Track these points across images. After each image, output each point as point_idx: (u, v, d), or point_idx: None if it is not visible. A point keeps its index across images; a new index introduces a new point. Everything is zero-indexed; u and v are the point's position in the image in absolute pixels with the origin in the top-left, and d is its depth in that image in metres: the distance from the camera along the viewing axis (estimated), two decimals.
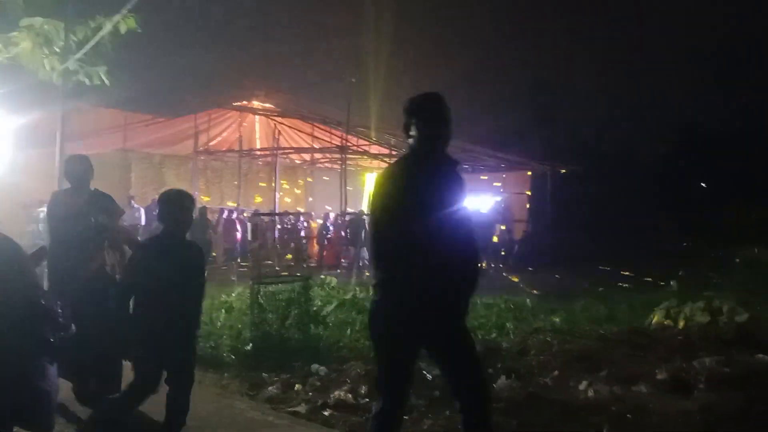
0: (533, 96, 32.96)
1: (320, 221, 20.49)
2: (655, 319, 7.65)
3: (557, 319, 8.52)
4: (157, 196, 15.02)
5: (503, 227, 20.39)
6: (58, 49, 9.40)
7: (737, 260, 10.42)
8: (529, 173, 24.54)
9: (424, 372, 5.99)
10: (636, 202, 26.25)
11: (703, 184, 28.67)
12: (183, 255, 4.13)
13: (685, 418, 4.72)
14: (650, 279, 11.08)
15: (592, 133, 32.70)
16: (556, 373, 5.94)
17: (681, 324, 7.29)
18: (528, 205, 23.86)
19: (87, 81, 9.63)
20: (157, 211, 4.29)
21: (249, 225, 18.44)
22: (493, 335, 7.67)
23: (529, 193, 24.15)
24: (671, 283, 10.08)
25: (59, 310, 2.27)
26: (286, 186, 23.68)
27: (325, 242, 18.81)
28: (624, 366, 6.02)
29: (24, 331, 2.14)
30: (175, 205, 4.16)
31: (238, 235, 18.87)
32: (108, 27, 9.07)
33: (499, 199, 22.61)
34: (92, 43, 9.22)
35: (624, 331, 7.37)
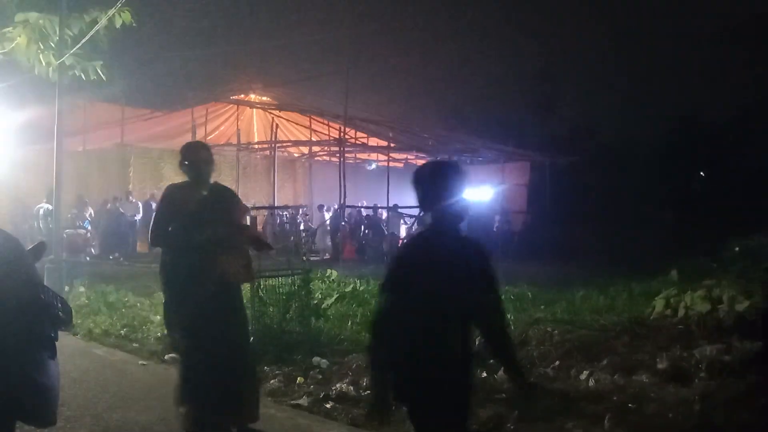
0: (533, 87, 32.90)
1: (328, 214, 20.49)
2: (655, 309, 7.65)
3: (557, 310, 8.53)
4: (156, 191, 15.08)
5: (499, 217, 20.41)
6: (53, 44, 9.38)
7: (737, 249, 10.40)
8: (529, 164, 24.54)
9: None
10: (636, 192, 26.24)
11: (702, 174, 28.65)
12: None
13: (685, 407, 4.73)
14: (650, 268, 11.07)
15: (592, 124, 32.66)
16: (556, 363, 5.95)
17: (681, 313, 7.29)
18: (527, 196, 23.85)
19: (83, 76, 9.62)
20: None
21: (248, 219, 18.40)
22: None
23: (527, 184, 24.15)
24: (671, 272, 10.07)
25: (59, 305, 2.26)
26: (284, 179, 23.63)
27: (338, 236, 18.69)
28: (624, 355, 6.02)
29: (24, 326, 2.14)
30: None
31: None
32: (103, 21, 9.05)
33: (497, 190, 22.60)
34: (88, 37, 9.20)
35: (624, 321, 7.36)
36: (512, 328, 7.52)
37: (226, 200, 4.59)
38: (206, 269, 4.26)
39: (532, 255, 17.57)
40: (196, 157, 4.44)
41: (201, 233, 4.26)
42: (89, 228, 16.84)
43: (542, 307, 8.86)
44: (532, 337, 6.93)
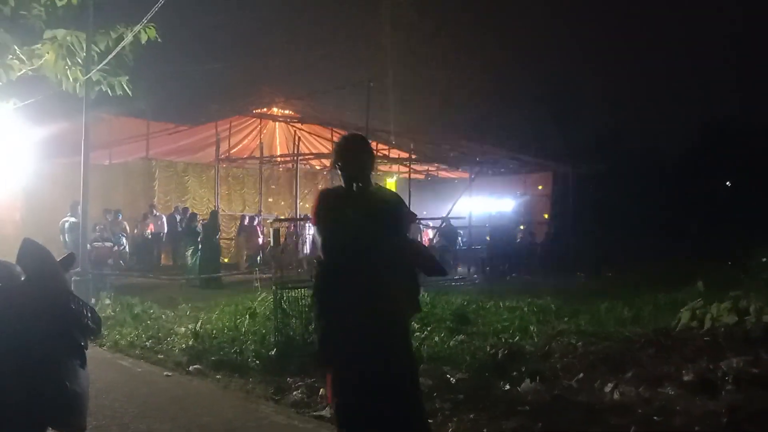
0: (554, 96, 32.76)
1: None
2: (681, 321, 7.55)
3: (581, 321, 8.46)
4: (179, 204, 15.24)
5: (522, 228, 20.31)
6: (80, 60, 9.57)
7: (764, 259, 10.25)
8: (551, 174, 24.39)
9: (448, 375, 5.99)
10: (660, 201, 25.95)
11: (728, 182, 28.26)
12: None
13: (713, 420, 4.66)
14: (675, 279, 10.93)
15: (616, 132, 32.39)
16: (581, 375, 5.89)
17: (707, 324, 7.19)
18: (550, 207, 23.70)
19: (109, 91, 9.79)
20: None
21: (271, 231, 18.53)
22: (517, 338, 7.63)
23: (550, 194, 23.99)
24: (697, 283, 9.95)
25: (89, 315, 2.32)
26: (306, 191, 23.77)
27: None
28: (650, 367, 5.95)
29: (56, 335, 2.19)
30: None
31: (260, 240, 18.99)
32: (129, 37, 9.21)
33: (520, 200, 22.51)
34: (114, 53, 9.37)
35: (649, 333, 7.28)
36: (535, 340, 7.49)
37: (393, 208, 3.61)
38: (372, 296, 3.36)
39: (555, 266, 17.46)
40: (358, 153, 3.60)
41: (369, 251, 3.39)
42: (124, 242, 17.09)
43: (566, 319, 8.79)
44: (556, 349, 6.89)
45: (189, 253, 16.19)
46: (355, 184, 3.51)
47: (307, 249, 17.31)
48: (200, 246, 15.67)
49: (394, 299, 3.42)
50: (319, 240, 3.50)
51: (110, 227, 16.56)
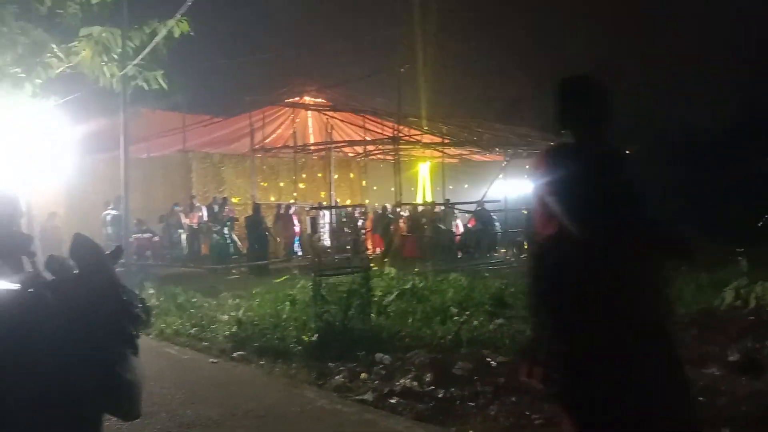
0: (591, 74, 32.14)
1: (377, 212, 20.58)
2: (725, 300, 7.44)
3: None
4: (217, 195, 15.60)
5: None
6: (116, 56, 9.73)
7: None
8: None
9: (488, 359, 6.01)
10: (699, 181, 25.39)
11: None
12: None
13: (758, 399, 4.59)
14: (717, 259, 10.73)
15: (651, 112, 31.76)
16: None
17: (752, 303, 7.07)
18: None
19: (145, 86, 9.95)
20: None
21: (308, 219, 18.73)
22: None
23: None
24: (740, 261, 9.75)
25: (139, 305, 2.40)
26: (340, 179, 23.89)
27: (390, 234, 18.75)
28: (694, 348, 5.89)
29: (109, 325, 2.28)
30: None
31: (296, 229, 19.18)
32: (163, 32, 9.32)
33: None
34: (149, 48, 9.50)
35: (692, 313, 7.19)
36: None
37: (633, 175, 2.85)
38: (627, 293, 2.47)
39: None
40: (594, 99, 2.77)
41: (623, 229, 2.54)
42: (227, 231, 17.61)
43: None
44: None
45: (213, 242, 16.77)
46: (589, 142, 2.71)
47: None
48: (226, 235, 16.24)
49: (659, 297, 2.60)
50: (541, 214, 2.65)
51: (217, 215, 17.17)
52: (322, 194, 23.11)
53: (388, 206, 20.13)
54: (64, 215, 16.22)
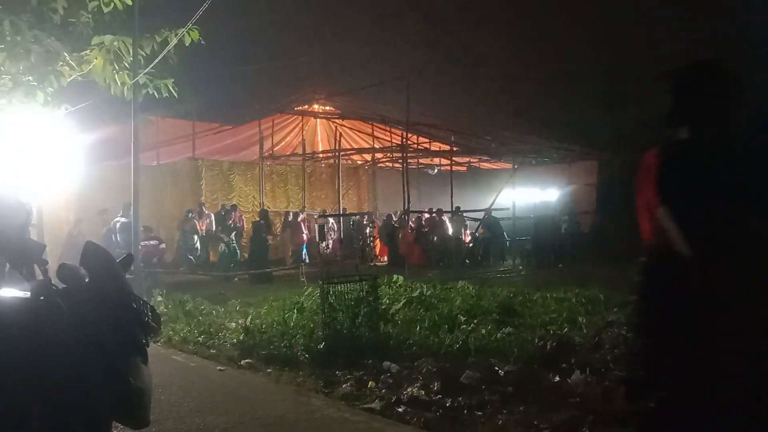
0: (600, 82, 32.12)
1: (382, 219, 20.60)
2: None
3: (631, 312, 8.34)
4: (225, 203, 15.69)
5: (567, 218, 20.06)
6: (127, 65, 9.81)
7: None
8: (597, 163, 23.97)
9: (496, 368, 5.99)
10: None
11: None
12: None
13: None
14: None
15: (661, 119, 31.56)
16: None
17: None
18: (596, 196, 23.31)
19: (156, 94, 10.02)
20: None
21: (316, 227, 18.77)
22: (565, 330, 7.57)
23: (596, 183, 23.59)
24: None
25: (149, 313, 2.42)
26: (348, 186, 23.93)
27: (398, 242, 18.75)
28: None
29: (120, 334, 2.29)
30: None
31: (305, 236, 19.22)
32: (174, 40, 9.40)
33: (565, 191, 22.22)
34: (160, 57, 9.57)
35: None
36: (584, 331, 7.42)
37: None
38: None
39: (602, 256, 17.19)
40: (728, 88, 2.44)
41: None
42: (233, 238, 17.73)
43: (615, 309, 8.67)
44: (606, 340, 6.82)
45: (220, 248, 16.84)
46: (715, 139, 2.33)
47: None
48: (233, 242, 16.30)
49: None
50: (668, 224, 2.25)
51: (224, 222, 17.29)
52: (325, 198, 23.19)
53: (393, 214, 20.15)
54: (74, 222, 16.31)
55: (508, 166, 22.35)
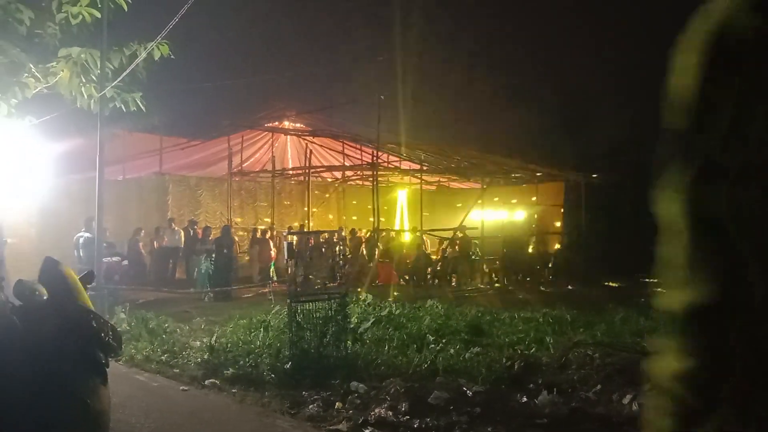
0: (564, 103, 32.62)
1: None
2: None
3: (597, 332, 8.41)
4: (192, 218, 15.41)
5: (534, 238, 20.24)
6: (94, 78, 9.67)
7: None
8: (563, 184, 24.27)
9: (464, 388, 5.96)
10: None
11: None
12: None
13: None
14: None
15: (630, 140, 32.12)
16: (598, 387, 5.85)
17: None
18: (562, 216, 23.59)
19: (123, 107, 9.89)
20: None
21: (284, 244, 18.58)
22: (533, 350, 7.59)
23: (563, 204, 23.88)
24: None
25: (110, 332, 2.34)
26: (317, 204, 23.84)
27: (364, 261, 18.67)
28: None
29: (78, 353, 2.21)
30: None
31: (272, 253, 19.04)
32: (143, 54, 9.31)
33: (532, 211, 22.45)
34: (128, 70, 9.46)
35: None
36: (552, 352, 7.45)
37: None
38: None
39: (569, 276, 17.36)
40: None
41: None
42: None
43: (581, 330, 8.74)
44: (573, 360, 6.85)
45: (199, 267, 16.41)
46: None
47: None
48: (212, 260, 15.81)
49: None
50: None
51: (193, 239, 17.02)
52: (298, 220, 23.06)
53: (358, 230, 20.12)
54: (35, 237, 15.92)
55: (478, 185, 22.52)
